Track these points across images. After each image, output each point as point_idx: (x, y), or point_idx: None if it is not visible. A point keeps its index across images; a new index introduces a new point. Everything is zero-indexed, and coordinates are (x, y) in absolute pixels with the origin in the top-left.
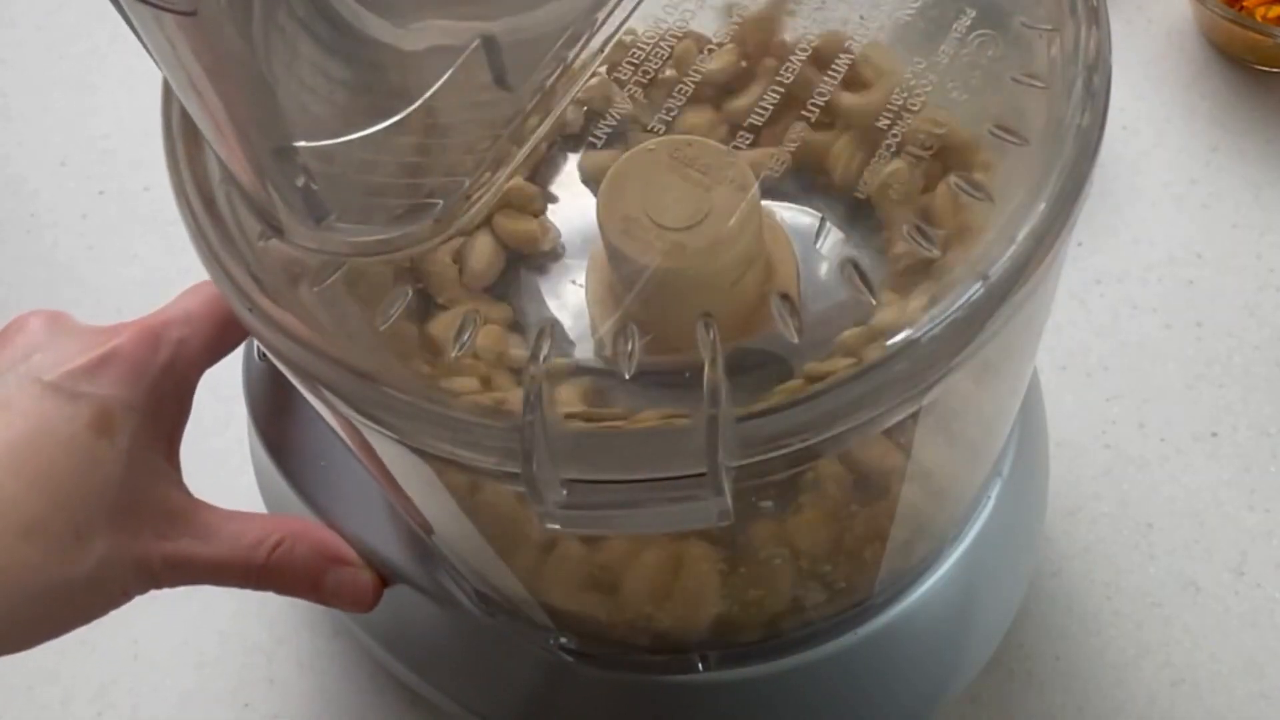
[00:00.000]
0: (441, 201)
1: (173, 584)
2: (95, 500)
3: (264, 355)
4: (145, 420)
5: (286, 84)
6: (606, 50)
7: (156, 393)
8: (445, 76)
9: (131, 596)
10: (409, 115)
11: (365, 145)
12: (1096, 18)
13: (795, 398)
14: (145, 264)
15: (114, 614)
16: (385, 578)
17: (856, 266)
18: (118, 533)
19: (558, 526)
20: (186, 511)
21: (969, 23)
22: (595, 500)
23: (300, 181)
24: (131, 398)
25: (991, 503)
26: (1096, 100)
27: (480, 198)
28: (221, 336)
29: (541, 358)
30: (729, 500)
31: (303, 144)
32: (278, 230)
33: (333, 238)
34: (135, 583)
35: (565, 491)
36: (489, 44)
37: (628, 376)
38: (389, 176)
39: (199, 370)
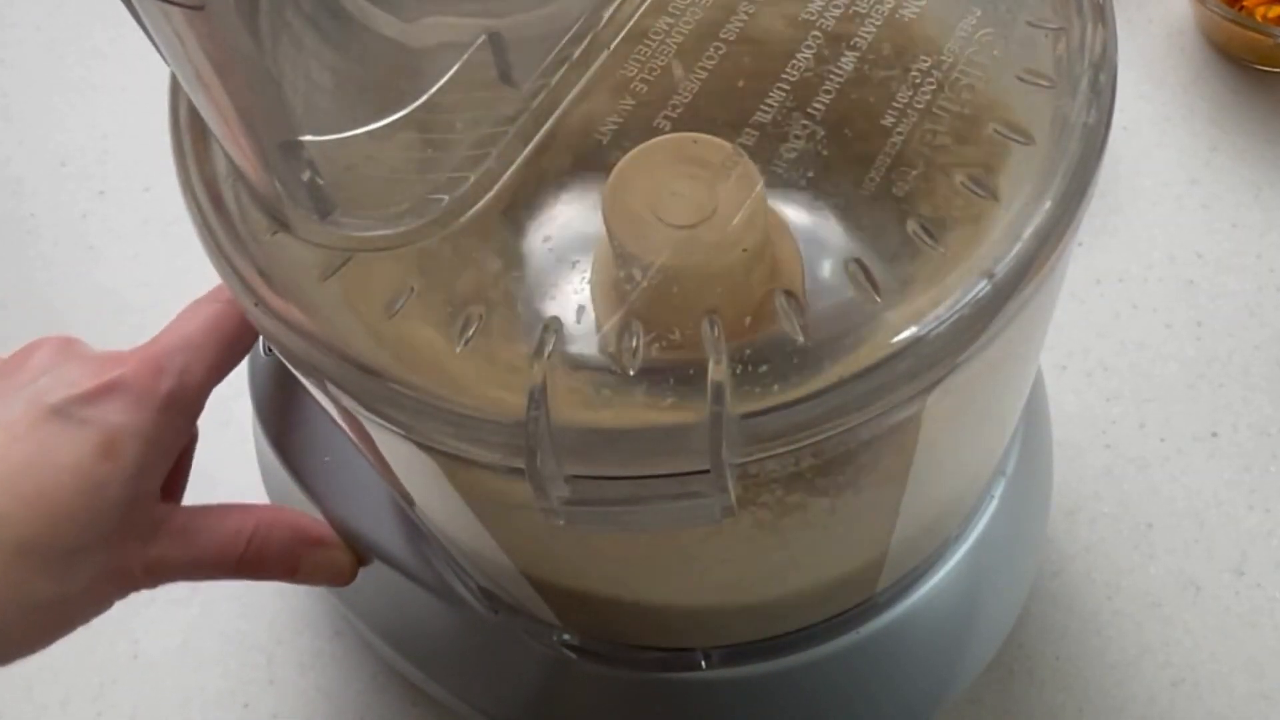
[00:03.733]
0: (446, 197)
1: (151, 586)
2: (96, 522)
3: (270, 350)
4: (149, 445)
5: (293, 79)
6: (614, 45)
7: (161, 419)
8: (450, 72)
9: (112, 604)
10: (414, 111)
11: (370, 141)
12: (1103, 16)
13: (799, 395)
14: (145, 264)
15: (114, 614)
16: (363, 557)
17: (861, 264)
18: (109, 549)
19: (562, 523)
20: (164, 517)
21: (974, 21)
22: (599, 496)
23: (306, 176)
24: (136, 424)
25: (995, 502)
26: (1102, 99)
27: (485, 193)
28: (224, 358)
29: (546, 354)
30: (733, 497)
31: (309, 139)
32: (284, 225)
33: (338, 232)
34: (117, 592)
35: (569, 488)
36: (495, 40)
37: (632, 373)
38: (394, 172)
39: (204, 395)
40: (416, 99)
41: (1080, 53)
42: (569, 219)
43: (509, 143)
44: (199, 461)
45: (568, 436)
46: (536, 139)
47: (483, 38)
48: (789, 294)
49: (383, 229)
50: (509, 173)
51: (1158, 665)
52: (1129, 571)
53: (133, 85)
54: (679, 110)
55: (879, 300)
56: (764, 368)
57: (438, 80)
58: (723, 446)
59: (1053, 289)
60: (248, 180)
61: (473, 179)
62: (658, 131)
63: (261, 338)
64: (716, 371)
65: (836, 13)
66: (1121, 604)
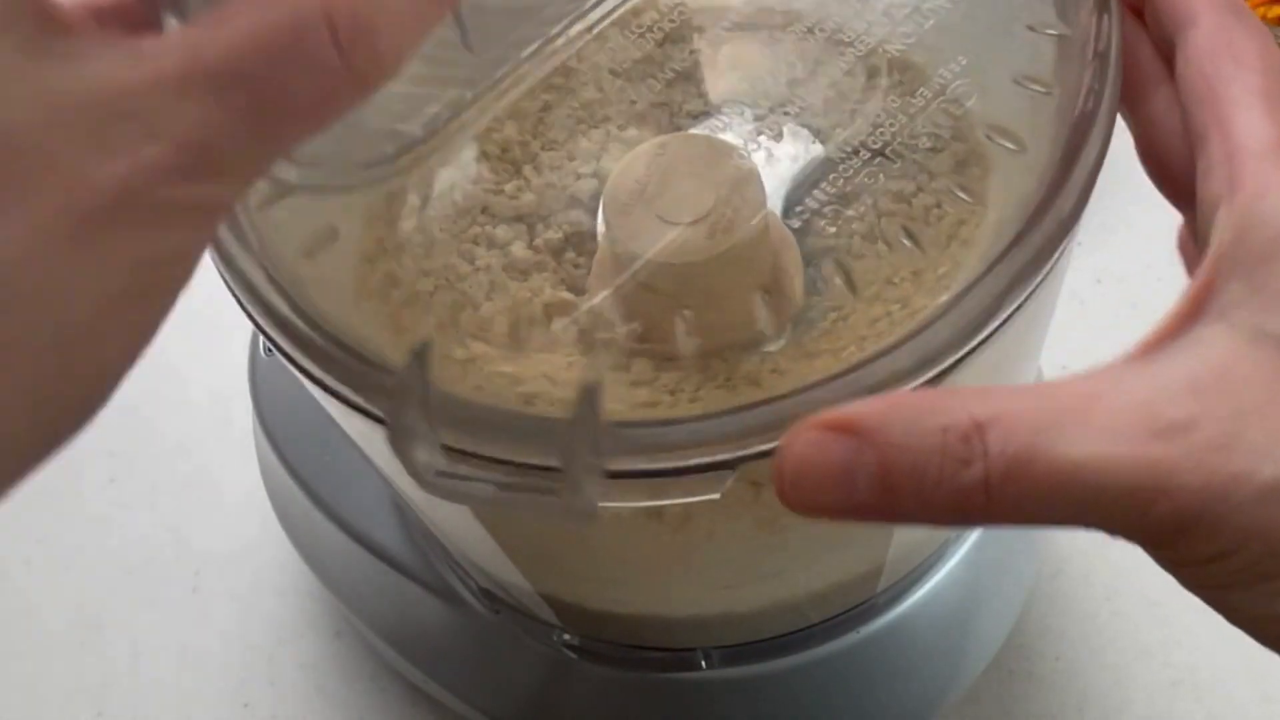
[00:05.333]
0: (391, 150)
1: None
2: None
3: (270, 350)
4: None
5: None
6: (595, 31)
7: None
8: None
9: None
10: None
11: None
12: (1108, 6)
13: (785, 391)
14: None
15: (114, 613)
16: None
17: (847, 269)
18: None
19: (424, 489)
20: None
21: (974, 25)
22: (463, 472)
23: None
24: None
25: None
26: (1107, 93)
27: (430, 150)
28: None
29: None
30: (593, 503)
31: None
32: None
33: (294, 168)
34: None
35: (443, 456)
36: None
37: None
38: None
39: None
40: None
41: (1086, 45)
42: (575, 218)
43: (460, 107)
44: (200, 461)
45: (443, 404)
46: (492, 111)
47: None
48: (786, 293)
49: (326, 172)
50: (460, 136)
51: (1157, 666)
52: (1128, 572)
53: None
54: (680, 105)
55: (878, 300)
56: (755, 361)
57: None
58: (577, 451)
59: (1052, 290)
60: None
61: (420, 132)
62: (637, 116)
63: (262, 338)
64: (593, 373)
65: (837, 8)
66: (1120, 605)
